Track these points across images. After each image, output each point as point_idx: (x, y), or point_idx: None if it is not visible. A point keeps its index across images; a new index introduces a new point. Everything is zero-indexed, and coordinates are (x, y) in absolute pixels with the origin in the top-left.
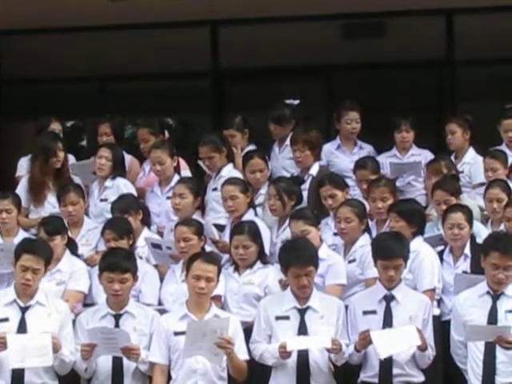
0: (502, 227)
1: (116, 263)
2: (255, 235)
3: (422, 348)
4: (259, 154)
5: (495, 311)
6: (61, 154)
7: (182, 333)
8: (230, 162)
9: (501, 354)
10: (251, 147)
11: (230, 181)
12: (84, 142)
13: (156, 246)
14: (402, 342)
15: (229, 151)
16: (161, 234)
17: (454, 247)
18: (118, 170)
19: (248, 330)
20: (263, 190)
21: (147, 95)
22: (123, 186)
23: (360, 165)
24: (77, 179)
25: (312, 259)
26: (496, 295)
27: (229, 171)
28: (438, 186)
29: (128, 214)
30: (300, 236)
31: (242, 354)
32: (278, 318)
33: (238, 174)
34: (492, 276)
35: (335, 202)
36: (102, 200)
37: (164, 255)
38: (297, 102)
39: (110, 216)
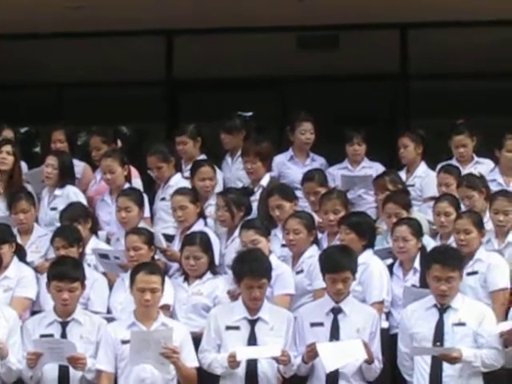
0: (450, 241)
1: (65, 272)
2: (207, 246)
3: (369, 361)
4: (208, 162)
5: (442, 324)
6: (9, 158)
7: (130, 341)
8: (178, 172)
9: (447, 368)
10: (202, 157)
11: (180, 191)
12: (38, 149)
13: (104, 256)
14: (348, 355)
15: (177, 161)
16: (109, 240)
17: (404, 260)
18: (67, 177)
19: (196, 340)
20: (213, 201)
21: (102, 103)
22: (73, 194)
23: (307, 177)
24: (29, 187)
25: (266, 272)
26: (443, 308)
27: (177, 181)
28: (389, 199)
29: (77, 222)
30: (255, 248)
31: (191, 362)
32: (228, 327)
33: (186, 184)
34: (435, 288)
35: (282, 213)
36: (52, 209)
37: (112, 264)
38: (249, 113)
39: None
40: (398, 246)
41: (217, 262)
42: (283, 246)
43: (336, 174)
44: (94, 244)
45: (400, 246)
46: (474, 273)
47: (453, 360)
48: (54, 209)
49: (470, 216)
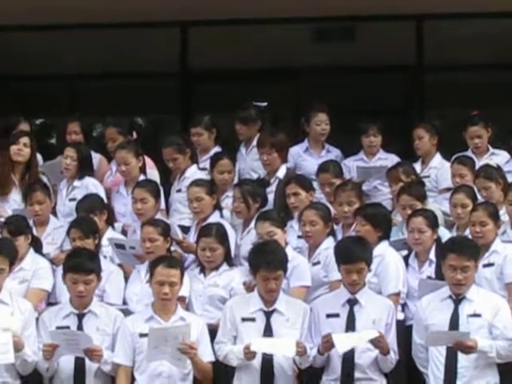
0: (467, 232)
1: (80, 264)
2: (222, 238)
3: (384, 352)
4: (228, 155)
5: (457, 315)
6: (25, 150)
7: (148, 335)
8: (194, 164)
9: (463, 359)
10: (217, 149)
11: (196, 182)
12: (53, 141)
13: (119, 246)
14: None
15: (192, 152)
16: (125, 232)
17: (419, 252)
18: (85, 169)
19: (212, 331)
20: (230, 193)
21: (117, 94)
22: (92, 185)
23: (322, 168)
24: (45, 178)
25: (282, 263)
26: (458, 299)
27: (192, 172)
28: (404, 191)
29: (93, 213)
30: (271, 239)
31: (207, 356)
32: (243, 319)
33: (202, 176)
34: (450, 278)
35: (297, 201)
36: (70, 200)
37: (128, 255)
38: (265, 103)
39: None
40: (413, 237)
41: (233, 253)
42: (299, 237)
43: (352, 166)
44: (110, 236)
45: (415, 237)
46: (490, 265)
47: (468, 349)
48: (72, 199)
49: (485, 208)
